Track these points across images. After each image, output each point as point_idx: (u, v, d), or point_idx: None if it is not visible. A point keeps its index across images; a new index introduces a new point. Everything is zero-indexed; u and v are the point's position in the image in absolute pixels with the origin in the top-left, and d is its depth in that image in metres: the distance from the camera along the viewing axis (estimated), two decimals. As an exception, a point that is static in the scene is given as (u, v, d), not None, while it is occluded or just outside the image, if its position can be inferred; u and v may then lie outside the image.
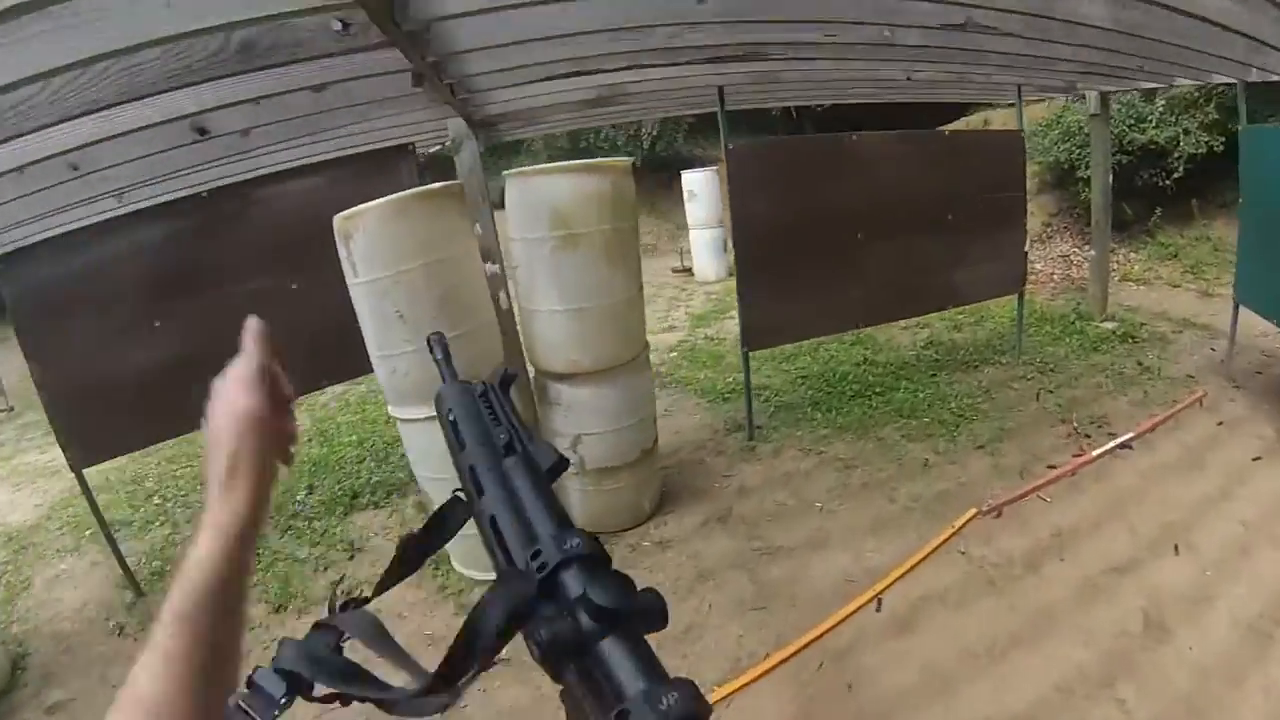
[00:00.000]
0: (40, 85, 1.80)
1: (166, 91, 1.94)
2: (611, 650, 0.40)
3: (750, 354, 4.67)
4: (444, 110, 3.38)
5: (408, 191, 3.00)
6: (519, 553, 0.45)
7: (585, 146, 13.15)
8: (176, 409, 3.91)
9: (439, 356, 0.68)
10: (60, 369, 3.96)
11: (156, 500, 6.01)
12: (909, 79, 4.65)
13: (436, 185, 3.08)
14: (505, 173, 3.32)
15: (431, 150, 4.31)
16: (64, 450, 4.14)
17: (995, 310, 6.79)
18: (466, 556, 3.56)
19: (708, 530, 3.85)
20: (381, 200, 2.95)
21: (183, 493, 6.02)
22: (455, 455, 0.56)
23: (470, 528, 0.55)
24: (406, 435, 3.39)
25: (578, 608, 0.40)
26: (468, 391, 0.60)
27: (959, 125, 10.09)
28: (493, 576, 0.46)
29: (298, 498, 5.30)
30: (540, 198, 3.21)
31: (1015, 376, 5.44)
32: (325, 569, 4.36)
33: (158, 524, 5.60)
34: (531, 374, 3.75)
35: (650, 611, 0.42)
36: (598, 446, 3.61)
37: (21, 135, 2.05)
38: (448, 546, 3.64)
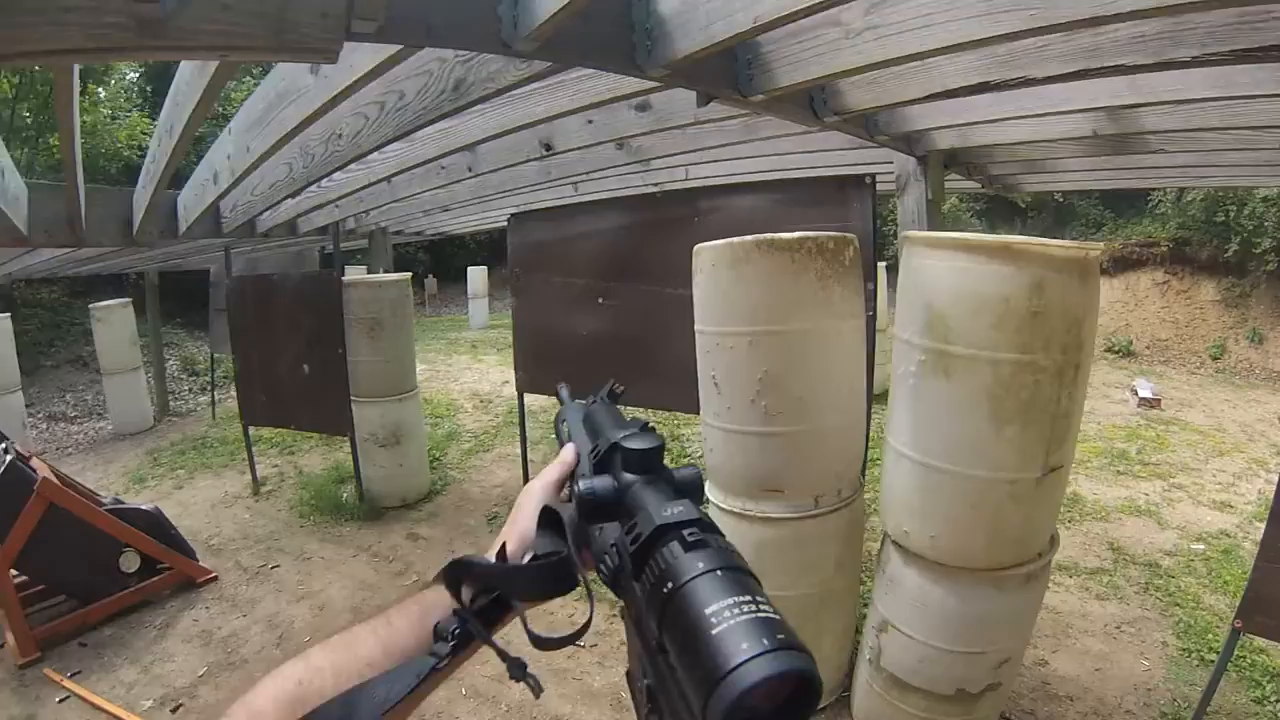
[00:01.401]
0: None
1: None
2: (641, 490, 0.51)
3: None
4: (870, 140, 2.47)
5: (751, 238, 2.22)
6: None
7: (1222, 221, 9.45)
8: (597, 377, 4.31)
9: (564, 395, 0.85)
10: (528, 310, 4.69)
11: None
12: None
13: (792, 235, 2.20)
14: (905, 232, 2.19)
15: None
16: (515, 372, 4.87)
17: None
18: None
19: None
20: (719, 243, 2.30)
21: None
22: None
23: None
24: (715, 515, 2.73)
25: (616, 458, 0.54)
26: (579, 406, 0.78)
27: None
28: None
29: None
30: (917, 283, 2.00)
31: None
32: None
33: None
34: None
35: (688, 477, 0.53)
36: (900, 651, 2.32)
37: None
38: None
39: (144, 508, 4.37)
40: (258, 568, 4.56)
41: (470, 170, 3.14)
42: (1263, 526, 4.24)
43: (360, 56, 1.57)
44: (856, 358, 2.44)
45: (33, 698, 3.34)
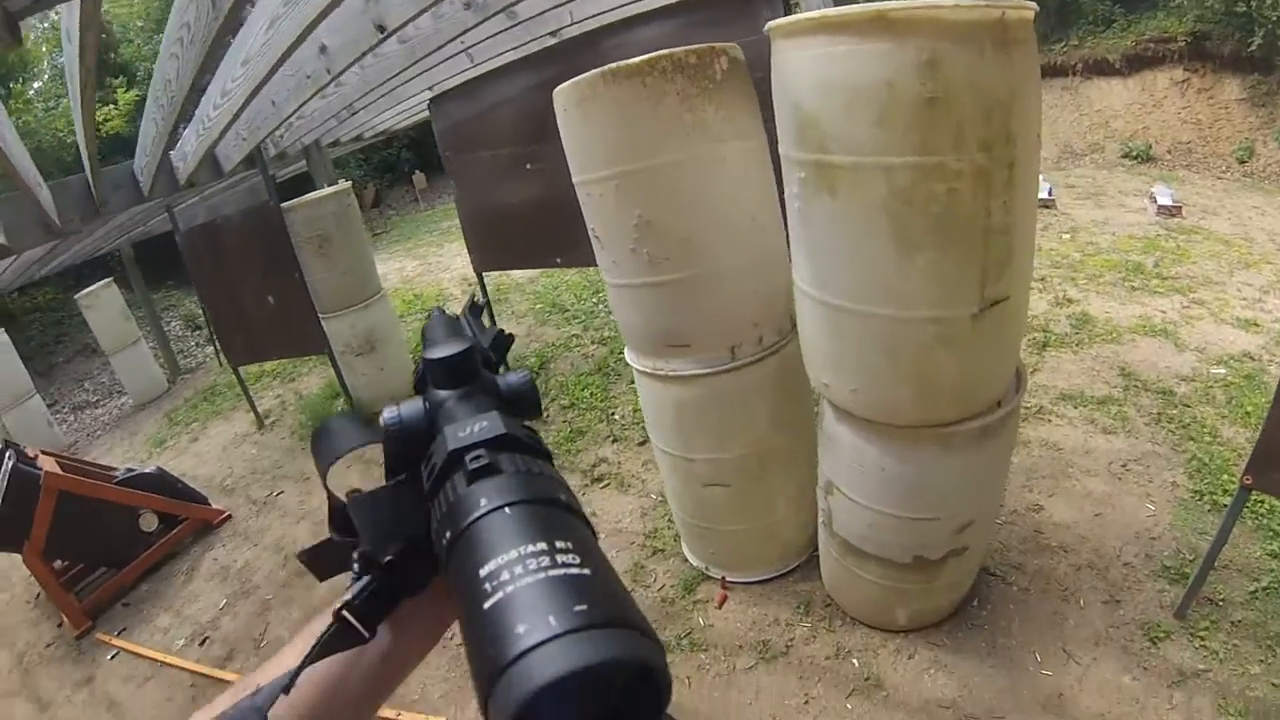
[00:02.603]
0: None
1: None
2: (453, 407, 0.39)
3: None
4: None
5: (595, 70, 1.76)
6: None
7: (1244, 12, 7.99)
8: (539, 244, 4.13)
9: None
10: (467, 191, 4.49)
11: (593, 301, 6.48)
12: None
13: (638, 59, 1.71)
14: (771, 23, 1.53)
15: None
16: (469, 254, 4.78)
17: None
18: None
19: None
20: (567, 84, 1.88)
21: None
22: None
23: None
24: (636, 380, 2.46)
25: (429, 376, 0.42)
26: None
27: None
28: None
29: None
30: (783, 83, 1.51)
31: None
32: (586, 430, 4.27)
33: (575, 322, 6.11)
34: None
35: (514, 385, 0.42)
36: (847, 516, 2.02)
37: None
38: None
39: (148, 470, 4.49)
40: (264, 498, 4.67)
41: (330, 72, 2.79)
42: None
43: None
44: (756, 185, 1.99)
45: (89, 661, 3.61)
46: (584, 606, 0.24)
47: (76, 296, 7.41)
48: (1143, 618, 2.25)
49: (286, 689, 0.41)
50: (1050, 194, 7.02)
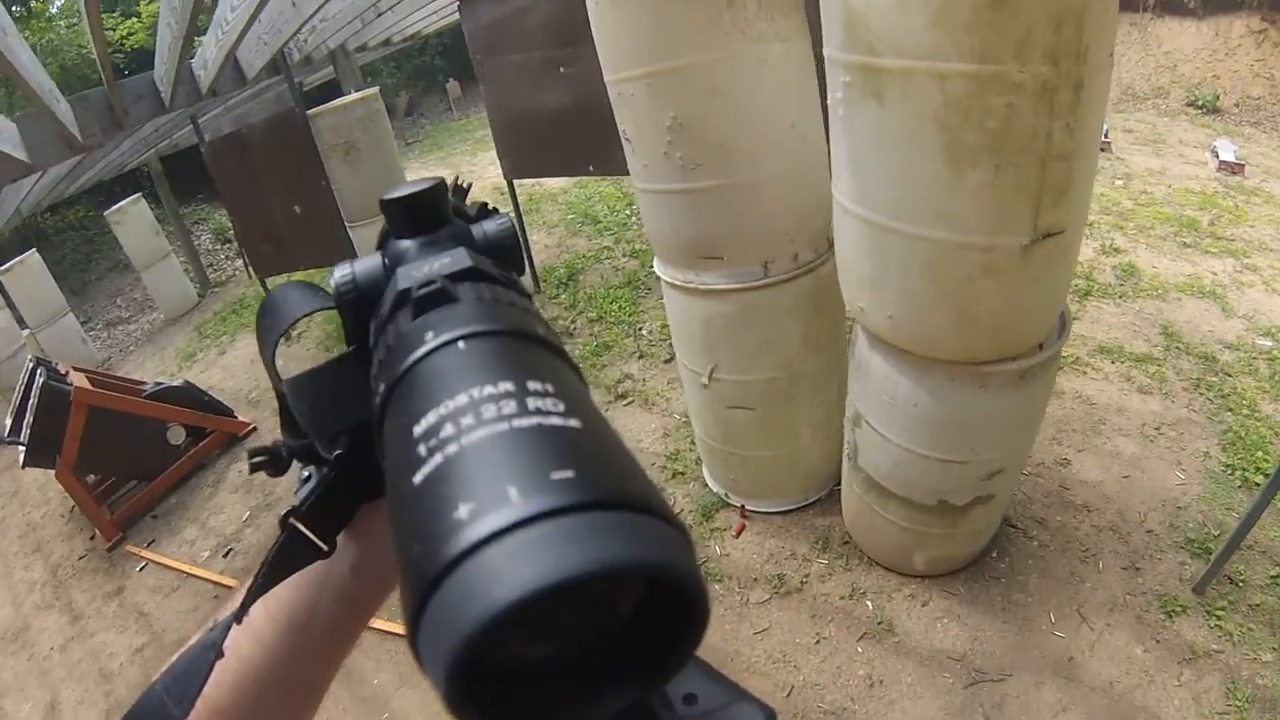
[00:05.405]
0: None
1: None
2: (416, 255, 0.31)
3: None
4: None
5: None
6: None
7: None
8: (571, 151, 4.06)
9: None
10: (497, 95, 4.38)
11: (627, 213, 6.38)
12: None
13: None
14: None
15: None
16: (500, 161, 4.72)
17: None
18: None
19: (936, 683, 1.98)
20: None
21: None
22: None
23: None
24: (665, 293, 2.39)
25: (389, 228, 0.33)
26: None
27: None
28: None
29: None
30: None
31: None
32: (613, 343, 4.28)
33: (608, 234, 6.03)
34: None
35: (491, 231, 0.34)
36: (874, 451, 1.97)
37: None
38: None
39: (175, 384, 4.56)
40: (288, 409, 4.88)
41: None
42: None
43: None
44: (799, 90, 1.86)
45: (119, 573, 3.71)
46: (568, 473, 0.16)
47: (106, 214, 7.44)
48: (1161, 589, 2.20)
49: (238, 618, 0.37)
50: (1106, 135, 6.68)
